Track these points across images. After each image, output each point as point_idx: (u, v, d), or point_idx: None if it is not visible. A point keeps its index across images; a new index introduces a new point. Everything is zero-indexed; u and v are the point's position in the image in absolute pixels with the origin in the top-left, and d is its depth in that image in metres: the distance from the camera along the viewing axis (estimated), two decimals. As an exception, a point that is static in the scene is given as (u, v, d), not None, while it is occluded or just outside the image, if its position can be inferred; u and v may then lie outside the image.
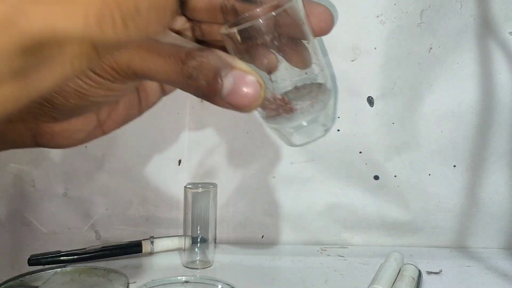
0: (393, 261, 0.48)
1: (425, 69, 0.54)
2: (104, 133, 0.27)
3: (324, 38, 0.53)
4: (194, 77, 0.22)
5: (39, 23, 0.14)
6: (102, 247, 0.51)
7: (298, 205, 0.58)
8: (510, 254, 0.57)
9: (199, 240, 0.51)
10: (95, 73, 0.22)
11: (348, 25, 0.53)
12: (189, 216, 0.51)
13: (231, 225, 0.58)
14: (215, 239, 0.54)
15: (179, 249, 0.54)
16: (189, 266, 0.51)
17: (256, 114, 0.26)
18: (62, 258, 0.49)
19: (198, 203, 0.51)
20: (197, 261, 0.51)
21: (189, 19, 0.27)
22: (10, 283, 0.44)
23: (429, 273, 0.50)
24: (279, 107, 0.25)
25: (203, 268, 0.50)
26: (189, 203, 0.51)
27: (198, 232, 0.51)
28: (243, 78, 0.22)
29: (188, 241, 0.51)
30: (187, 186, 0.51)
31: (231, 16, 0.25)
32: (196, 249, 0.51)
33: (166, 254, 0.54)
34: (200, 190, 0.51)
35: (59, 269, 0.47)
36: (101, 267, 0.48)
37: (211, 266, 0.51)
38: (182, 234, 0.56)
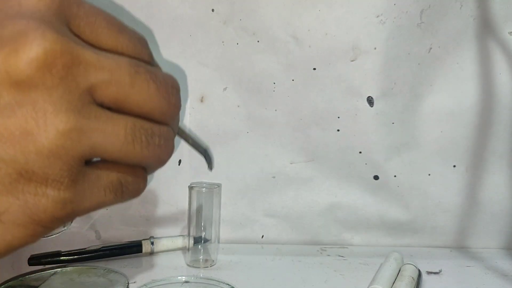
0: (393, 261, 0.48)
1: (425, 69, 0.54)
2: None
3: (324, 38, 0.53)
4: None
5: None
6: (102, 247, 0.51)
7: (298, 205, 0.58)
8: (510, 254, 0.57)
9: (202, 239, 0.51)
10: None
11: (348, 25, 0.53)
12: (193, 215, 0.51)
13: (231, 225, 0.58)
14: (219, 238, 0.54)
15: (179, 249, 0.54)
16: (192, 265, 0.51)
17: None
18: (62, 258, 0.49)
19: (202, 203, 0.51)
20: (200, 260, 0.51)
21: None
22: (10, 283, 0.44)
23: (429, 273, 0.50)
24: None
25: (205, 268, 0.50)
26: (193, 203, 0.51)
27: (202, 231, 0.51)
28: None
29: (191, 241, 0.51)
30: (192, 186, 0.51)
31: None
32: (200, 247, 0.51)
33: (166, 254, 0.54)
34: (204, 189, 0.51)
35: (59, 269, 0.47)
36: (101, 267, 0.48)
37: (213, 265, 0.51)
38: (182, 233, 0.56)
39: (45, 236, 0.21)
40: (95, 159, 0.21)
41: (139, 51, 0.22)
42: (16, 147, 0.18)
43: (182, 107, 0.62)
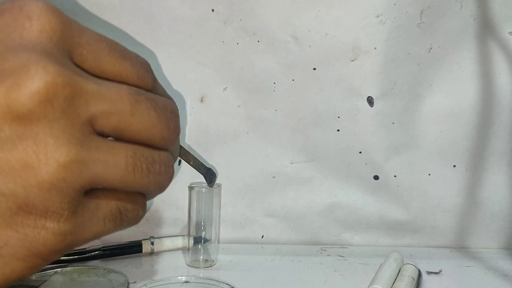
0: (393, 261, 0.48)
1: (425, 69, 0.54)
2: None
3: (324, 38, 0.53)
4: None
5: None
6: (102, 247, 0.51)
7: (298, 205, 0.58)
8: (510, 254, 0.57)
9: (202, 239, 0.51)
10: None
11: (348, 25, 0.53)
12: (193, 215, 0.51)
13: (231, 225, 0.58)
14: (219, 238, 0.54)
15: (179, 249, 0.54)
16: (192, 265, 0.51)
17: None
18: (62, 258, 0.49)
19: (202, 203, 0.51)
20: (200, 260, 0.51)
21: None
22: (10, 283, 0.44)
23: (429, 273, 0.50)
24: None
25: (205, 268, 0.50)
26: (193, 203, 0.51)
27: (202, 231, 0.51)
28: None
29: (191, 241, 0.51)
30: (192, 186, 0.51)
31: None
32: (200, 247, 0.51)
33: (167, 254, 0.54)
34: (204, 190, 0.51)
35: (59, 269, 0.48)
36: (101, 267, 0.48)
37: (213, 265, 0.51)
38: (182, 233, 0.56)
39: None
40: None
41: (142, 76, 0.23)
42: (17, 181, 0.18)
43: (182, 107, 0.62)
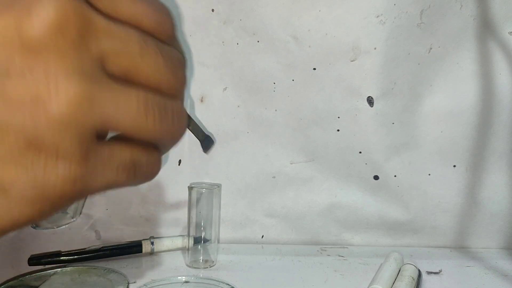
0: (393, 261, 0.48)
1: (425, 69, 0.54)
2: None
3: (324, 38, 0.53)
4: None
5: None
6: (102, 247, 0.51)
7: (298, 205, 0.58)
8: (510, 254, 0.57)
9: (202, 239, 0.51)
10: None
11: (348, 25, 0.53)
12: (193, 215, 0.51)
13: (231, 225, 0.58)
14: (219, 238, 0.54)
15: (179, 249, 0.54)
16: (192, 266, 0.51)
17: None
18: (62, 258, 0.49)
19: (202, 203, 0.51)
20: (200, 261, 0.51)
21: None
22: (10, 283, 0.44)
23: (429, 273, 0.50)
24: None
25: (205, 268, 0.50)
26: (193, 203, 0.51)
27: (202, 231, 0.51)
28: None
29: (191, 241, 0.51)
30: (192, 186, 0.51)
31: None
32: (200, 247, 0.51)
33: (166, 254, 0.54)
34: (204, 190, 0.51)
35: (59, 269, 0.47)
36: (101, 267, 0.48)
37: (213, 266, 0.51)
38: (182, 234, 0.56)
39: (56, 226, 0.20)
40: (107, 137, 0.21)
41: (160, 21, 0.22)
42: (26, 114, 0.17)
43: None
